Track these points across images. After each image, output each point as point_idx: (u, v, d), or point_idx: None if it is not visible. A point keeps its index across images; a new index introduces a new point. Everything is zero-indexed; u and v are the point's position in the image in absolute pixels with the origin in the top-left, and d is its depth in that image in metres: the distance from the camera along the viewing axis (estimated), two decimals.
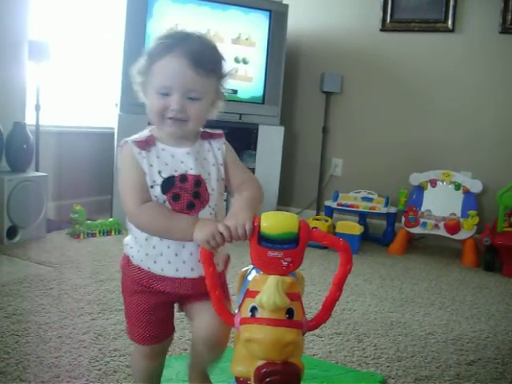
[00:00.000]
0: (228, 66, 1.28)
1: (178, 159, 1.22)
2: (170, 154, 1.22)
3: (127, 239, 1.30)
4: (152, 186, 1.19)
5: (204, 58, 1.19)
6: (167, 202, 1.20)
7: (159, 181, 1.20)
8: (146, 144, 1.21)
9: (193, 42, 1.20)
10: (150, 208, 1.18)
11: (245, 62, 3.73)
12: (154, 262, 1.24)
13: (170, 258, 1.23)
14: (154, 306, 1.28)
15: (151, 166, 1.19)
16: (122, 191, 1.22)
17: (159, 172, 1.20)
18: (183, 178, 1.21)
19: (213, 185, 1.26)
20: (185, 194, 1.21)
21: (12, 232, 3.00)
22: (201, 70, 1.18)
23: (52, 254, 2.84)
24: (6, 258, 2.72)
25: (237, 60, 3.70)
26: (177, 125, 1.21)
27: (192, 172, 1.22)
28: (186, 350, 1.78)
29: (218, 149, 1.29)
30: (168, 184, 1.20)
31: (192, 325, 1.33)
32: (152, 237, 1.22)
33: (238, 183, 1.30)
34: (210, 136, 1.29)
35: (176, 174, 1.21)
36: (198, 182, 1.23)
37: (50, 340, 1.81)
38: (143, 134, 1.25)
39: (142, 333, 1.29)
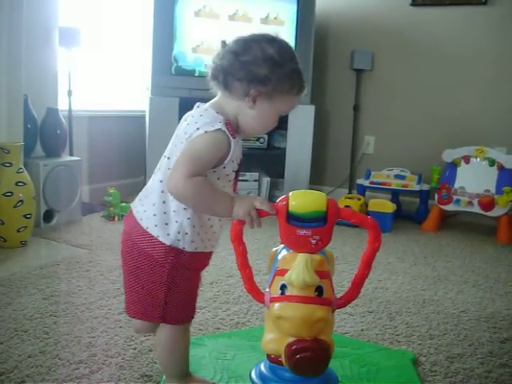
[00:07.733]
0: None
1: (241, 147, 1.31)
2: (240, 143, 1.30)
3: (175, 229, 1.24)
4: (233, 171, 1.27)
5: None
6: (231, 182, 1.30)
7: (236, 167, 1.28)
8: (235, 133, 1.26)
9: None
10: (199, 181, 1.18)
11: None
12: (209, 239, 1.30)
13: (219, 236, 1.32)
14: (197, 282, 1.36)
15: (234, 152, 1.24)
16: (183, 159, 1.19)
17: (236, 158, 1.27)
18: (241, 162, 1.32)
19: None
20: (238, 175, 1.32)
21: (48, 216, 3.06)
22: None
23: (87, 237, 2.89)
24: (44, 241, 2.78)
25: None
26: None
27: (240, 157, 1.32)
28: (218, 329, 1.81)
29: None
30: (239, 169, 1.30)
31: None
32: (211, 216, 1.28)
33: None
34: None
35: (239, 161, 1.30)
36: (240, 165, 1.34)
37: (87, 320, 1.85)
38: (222, 121, 1.21)
39: (192, 309, 1.34)
